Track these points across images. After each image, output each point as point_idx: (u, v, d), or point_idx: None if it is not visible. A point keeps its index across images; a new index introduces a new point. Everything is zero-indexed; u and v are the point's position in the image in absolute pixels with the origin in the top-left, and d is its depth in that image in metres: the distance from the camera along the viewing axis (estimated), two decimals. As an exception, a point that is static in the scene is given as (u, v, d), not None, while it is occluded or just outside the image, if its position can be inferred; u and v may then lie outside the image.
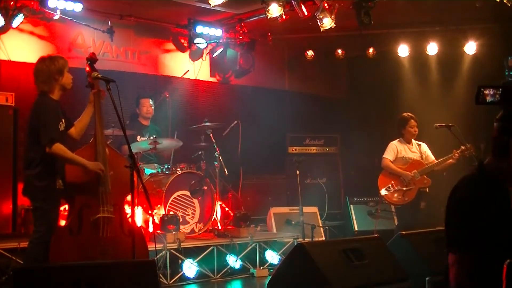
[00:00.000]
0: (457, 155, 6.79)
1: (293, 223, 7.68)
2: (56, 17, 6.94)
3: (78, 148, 4.87)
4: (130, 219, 4.81)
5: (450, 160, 6.86)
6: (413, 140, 7.16)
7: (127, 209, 6.04)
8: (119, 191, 4.81)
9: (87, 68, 4.88)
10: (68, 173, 4.64)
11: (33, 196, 4.59)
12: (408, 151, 7.09)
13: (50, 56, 4.77)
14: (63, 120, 4.72)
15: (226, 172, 7.21)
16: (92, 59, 4.91)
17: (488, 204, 2.68)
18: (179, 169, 6.74)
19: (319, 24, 7.03)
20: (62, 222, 4.92)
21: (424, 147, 7.17)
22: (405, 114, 7.15)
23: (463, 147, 6.75)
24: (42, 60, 4.71)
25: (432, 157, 7.09)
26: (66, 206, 4.99)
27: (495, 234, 2.65)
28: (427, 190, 6.99)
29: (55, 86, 4.68)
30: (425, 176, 6.92)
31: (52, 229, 4.51)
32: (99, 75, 4.71)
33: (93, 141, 4.82)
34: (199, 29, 8.15)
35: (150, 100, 7.48)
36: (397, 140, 7.17)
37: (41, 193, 4.53)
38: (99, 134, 4.80)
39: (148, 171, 6.94)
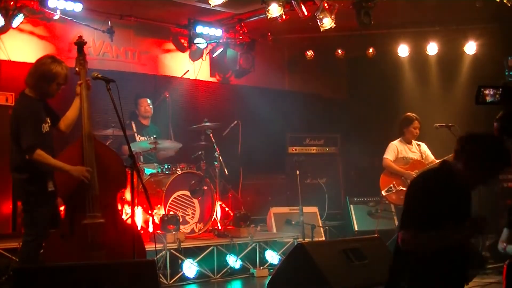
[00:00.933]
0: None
1: (293, 223, 7.67)
2: (56, 17, 6.94)
3: (68, 142, 4.73)
4: (129, 219, 4.78)
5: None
6: (413, 140, 7.17)
7: (127, 209, 6.06)
8: (110, 190, 4.66)
9: (76, 54, 4.77)
10: (56, 175, 4.50)
11: (25, 200, 4.50)
12: (408, 151, 7.09)
13: (55, 59, 4.59)
14: (48, 119, 4.54)
15: (226, 172, 7.20)
16: (80, 43, 4.79)
17: (438, 195, 3.14)
18: (179, 169, 6.73)
19: (319, 24, 7.03)
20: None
21: (424, 147, 7.17)
22: (409, 114, 7.14)
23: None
24: (47, 56, 4.61)
25: (431, 157, 7.09)
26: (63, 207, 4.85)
27: (442, 220, 3.11)
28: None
29: (36, 87, 4.51)
30: (425, 177, 6.91)
31: (45, 233, 4.41)
32: (99, 75, 4.58)
33: (80, 139, 4.60)
34: (199, 29, 8.15)
35: (148, 100, 7.48)
36: (397, 140, 7.17)
37: (32, 197, 4.43)
38: (86, 129, 4.58)
39: (148, 171, 6.94)
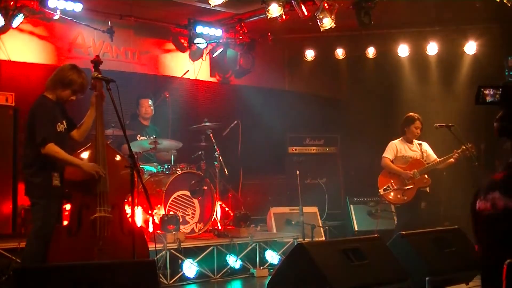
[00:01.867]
0: (457, 154, 6.80)
1: (293, 223, 7.68)
2: (56, 17, 6.94)
3: (79, 148, 4.88)
4: (130, 219, 4.80)
5: (451, 160, 6.86)
6: (414, 140, 7.16)
7: (128, 210, 6.05)
8: (119, 191, 4.81)
9: (92, 70, 4.90)
10: (67, 171, 4.67)
11: (31, 194, 4.64)
12: (408, 150, 7.08)
13: (74, 66, 4.80)
14: (65, 122, 4.75)
15: (226, 172, 7.20)
16: (96, 61, 4.92)
17: None
18: (179, 169, 6.74)
19: (319, 24, 7.03)
20: (65, 223, 4.91)
21: (425, 146, 7.16)
22: (411, 114, 7.14)
23: (464, 147, 6.75)
24: (67, 64, 4.88)
25: (433, 156, 7.07)
26: (68, 206, 4.98)
27: None
28: (428, 190, 6.99)
29: (52, 91, 4.72)
30: (425, 176, 6.91)
31: (48, 224, 4.52)
32: (99, 75, 4.69)
33: (93, 142, 4.81)
34: (199, 29, 8.15)
35: (150, 100, 7.47)
36: (398, 139, 7.17)
37: (36, 189, 4.59)
38: (100, 135, 4.80)
39: (148, 171, 6.94)
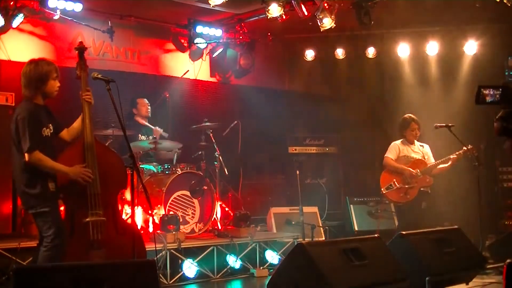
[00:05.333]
0: (459, 155, 6.80)
1: (293, 223, 7.68)
2: (56, 17, 6.95)
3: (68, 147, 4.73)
4: (129, 219, 4.78)
5: (452, 162, 6.86)
6: (415, 141, 7.16)
7: (127, 209, 6.06)
8: (111, 189, 4.70)
9: (77, 58, 4.77)
10: (58, 175, 4.49)
11: (30, 205, 4.43)
12: (410, 151, 7.09)
13: (37, 61, 4.52)
14: (51, 125, 4.52)
15: (226, 172, 7.21)
16: (80, 48, 4.80)
17: None
18: (179, 169, 6.74)
19: (319, 24, 7.03)
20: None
21: (427, 148, 7.17)
22: (406, 116, 7.14)
23: (464, 148, 6.75)
24: (28, 63, 4.51)
25: (432, 159, 7.09)
26: (62, 208, 4.82)
27: None
28: (429, 191, 6.98)
29: (37, 92, 4.45)
30: (427, 176, 6.90)
31: (61, 232, 4.37)
32: (98, 75, 4.57)
33: (81, 139, 4.62)
34: (199, 29, 8.16)
35: (145, 99, 7.48)
36: (400, 140, 7.18)
37: (36, 200, 4.37)
38: (88, 132, 4.60)
39: (148, 170, 6.94)
